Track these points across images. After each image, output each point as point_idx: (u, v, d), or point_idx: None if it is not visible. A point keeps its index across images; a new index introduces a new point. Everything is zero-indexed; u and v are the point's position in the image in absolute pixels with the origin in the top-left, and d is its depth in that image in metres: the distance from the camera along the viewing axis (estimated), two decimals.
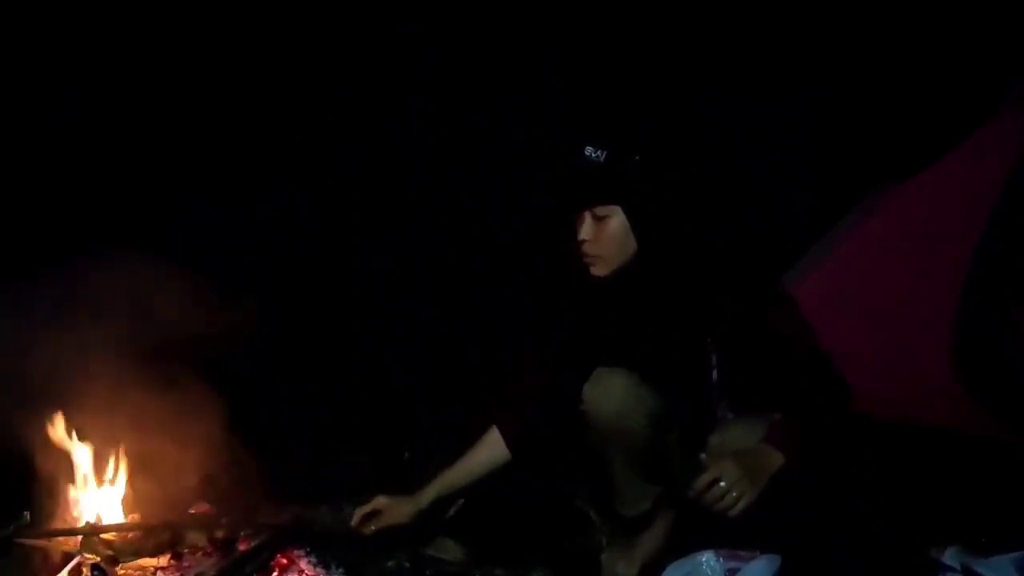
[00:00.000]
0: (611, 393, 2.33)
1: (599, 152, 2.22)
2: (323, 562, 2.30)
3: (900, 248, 2.96)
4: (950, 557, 2.18)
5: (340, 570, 2.30)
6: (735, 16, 3.21)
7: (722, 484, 2.07)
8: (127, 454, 2.59)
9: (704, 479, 2.08)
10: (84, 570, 2.33)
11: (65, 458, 2.53)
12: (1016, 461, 2.55)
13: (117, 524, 2.50)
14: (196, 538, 2.43)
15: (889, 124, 3.08)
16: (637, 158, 2.22)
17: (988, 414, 2.74)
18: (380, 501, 2.44)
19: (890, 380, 2.76)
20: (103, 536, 2.41)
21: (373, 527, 2.43)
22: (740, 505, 2.06)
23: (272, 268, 3.41)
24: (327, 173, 3.46)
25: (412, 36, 3.43)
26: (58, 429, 2.52)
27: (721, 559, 2.12)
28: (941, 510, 2.41)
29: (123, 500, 2.58)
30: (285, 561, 2.32)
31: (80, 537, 2.41)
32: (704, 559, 2.13)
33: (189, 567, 2.34)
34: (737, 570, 2.10)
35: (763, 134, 3.19)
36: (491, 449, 2.45)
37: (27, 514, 2.45)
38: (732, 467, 2.08)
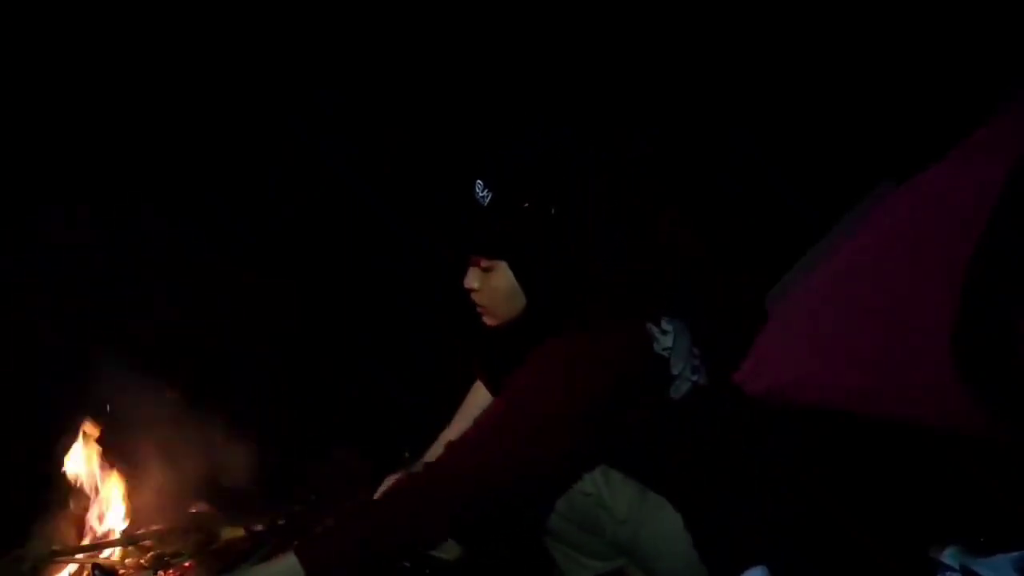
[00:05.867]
0: None
1: (486, 191, 1.89)
2: None
3: (900, 248, 2.93)
4: (949, 556, 2.19)
5: None
6: (730, 13, 3.22)
7: None
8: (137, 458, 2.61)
9: None
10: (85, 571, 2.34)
11: (82, 469, 2.54)
12: (1016, 461, 2.55)
13: (154, 530, 2.51)
14: (233, 533, 2.44)
15: (889, 124, 3.09)
16: (526, 205, 1.89)
17: (989, 414, 2.73)
18: (392, 480, 2.35)
19: (890, 380, 2.75)
20: (142, 544, 2.43)
21: None
22: None
23: (272, 268, 3.41)
24: (325, 173, 3.47)
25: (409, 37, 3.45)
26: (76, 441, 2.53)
27: None
28: (940, 509, 2.42)
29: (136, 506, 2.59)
30: None
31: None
32: None
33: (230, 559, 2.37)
34: None
35: (762, 134, 3.20)
36: (482, 398, 2.37)
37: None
38: None
